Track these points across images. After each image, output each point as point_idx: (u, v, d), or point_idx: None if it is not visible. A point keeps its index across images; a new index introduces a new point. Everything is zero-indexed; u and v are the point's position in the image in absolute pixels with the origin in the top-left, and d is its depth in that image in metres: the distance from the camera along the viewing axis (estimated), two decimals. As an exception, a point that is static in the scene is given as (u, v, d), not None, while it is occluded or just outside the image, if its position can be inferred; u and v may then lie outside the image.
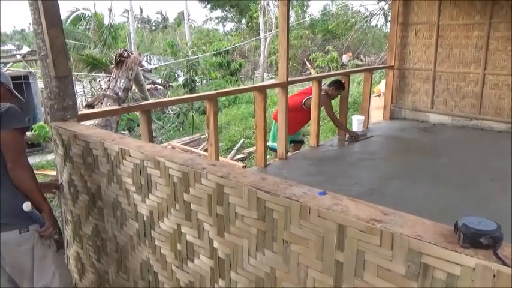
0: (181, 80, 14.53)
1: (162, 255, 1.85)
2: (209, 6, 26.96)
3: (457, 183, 3.96)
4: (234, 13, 27.28)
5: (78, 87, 13.80)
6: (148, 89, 12.66)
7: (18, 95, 2.02)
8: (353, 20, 19.49)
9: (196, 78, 14.39)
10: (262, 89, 4.34)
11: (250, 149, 7.89)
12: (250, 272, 1.46)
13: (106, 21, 16.01)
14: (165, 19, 34.44)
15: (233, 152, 8.04)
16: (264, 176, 1.46)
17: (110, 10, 16.80)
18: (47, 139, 7.84)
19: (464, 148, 5.12)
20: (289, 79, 4.55)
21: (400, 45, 6.55)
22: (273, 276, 1.38)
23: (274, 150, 4.98)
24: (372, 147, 5.32)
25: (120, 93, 7.44)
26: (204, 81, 16.07)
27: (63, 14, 16.04)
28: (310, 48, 19.74)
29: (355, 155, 4.98)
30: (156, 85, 14.96)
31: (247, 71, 19.47)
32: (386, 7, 17.17)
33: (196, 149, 7.84)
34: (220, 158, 5.33)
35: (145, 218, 1.88)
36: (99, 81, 13.27)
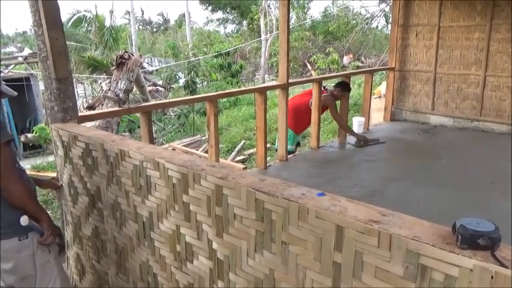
0: (182, 81, 14.56)
1: (161, 256, 1.85)
2: (210, 8, 27.03)
3: (458, 185, 3.96)
4: (235, 15, 27.35)
5: (80, 89, 13.84)
6: (150, 91, 12.68)
7: (9, 92, 1.88)
8: (354, 21, 19.53)
9: (197, 79, 14.41)
10: (262, 91, 4.34)
11: (251, 151, 7.89)
12: (249, 273, 1.46)
13: (107, 23, 16.05)
14: (166, 21, 34.53)
15: (234, 153, 8.04)
16: (262, 177, 1.47)
17: (111, 12, 16.84)
18: (48, 141, 7.86)
19: (465, 150, 5.11)
20: (290, 81, 4.56)
21: (400, 47, 6.55)
22: (272, 277, 1.38)
23: (290, 152, 4.99)
24: (373, 148, 5.31)
25: (120, 95, 7.46)
26: (205, 82, 16.10)
27: (65, 16, 16.10)
28: (311, 50, 19.76)
29: (355, 157, 4.98)
30: (157, 87, 14.98)
31: (248, 73, 19.49)
32: (387, 9, 17.19)
33: (197, 150, 7.84)
34: (221, 160, 5.33)
35: (144, 219, 1.88)
36: (101, 83, 13.29)
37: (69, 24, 15.83)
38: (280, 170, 4.48)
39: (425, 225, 1.07)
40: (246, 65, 18.57)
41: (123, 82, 7.71)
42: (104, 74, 12.84)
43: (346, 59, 18.37)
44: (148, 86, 13.06)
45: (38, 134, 8.18)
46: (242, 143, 8.65)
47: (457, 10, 5.91)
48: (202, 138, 8.84)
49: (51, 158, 8.14)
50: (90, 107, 7.47)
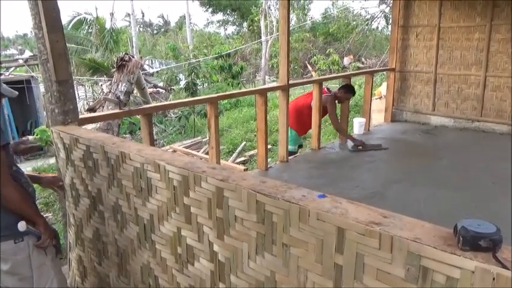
0: (182, 83, 14.56)
1: (162, 258, 1.85)
2: (210, 9, 27.06)
3: (459, 185, 3.95)
4: (235, 16, 27.38)
5: (81, 91, 13.87)
6: (150, 93, 12.69)
7: (8, 92, 1.87)
8: (354, 22, 19.54)
9: (197, 81, 14.42)
10: (263, 92, 4.34)
11: (252, 152, 7.89)
12: (250, 276, 1.46)
13: (108, 25, 16.08)
14: (166, 23, 34.57)
15: (234, 155, 8.04)
16: (263, 179, 1.46)
17: (112, 14, 16.87)
18: (49, 143, 7.86)
19: (465, 150, 5.10)
20: (290, 82, 4.56)
21: (401, 48, 6.55)
22: (273, 280, 1.37)
23: (292, 153, 5.00)
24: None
25: (121, 97, 7.47)
26: (206, 84, 16.10)
27: (65, 18, 16.14)
28: (311, 51, 19.77)
29: (356, 158, 4.97)
30: (157, 88, 15.00)
31: (249, 74, 19.50)
32: (387, 10, 17.20)
33: (198, 152, 7.84)
34: (222, 161, 5.33)
35: (145, 222, 1.88)
36: (101, 85, 13.32)
37: (70, 26, 15.87)
38: (281, 172, 4.48)
39: (427, 227, 1.07)
40: (246, 67, 18.58)
41: (124, 84, 7.72)
42: (105, 76, 12.86)
43: (346, 60, 18.36)
44: (149, 88, 13.08)
45: (39, 136, 8.18)
46: (243, 144, 8.65)
47: (457, 11, 5.91)
48: (203, 139, 8.84)
49: (52, 160, 8.14)
50: (91, 109, 7.48)
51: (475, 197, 3.66)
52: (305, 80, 9.28)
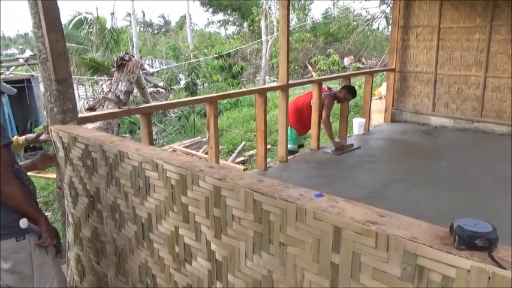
0: (182, 83, 14.57)
1: (160, 257, 1.85)
2: (211, 9, 27.06)
3: (459, 186, 3.95)
4: (235, 16, 27.37)
5: (81, 91, 13.87)
6: (150, 92, 12.69)
7: (7, 89, 1.89)
8: (355, 23, 19.52)
9: (197, 81, 14.42)
10: (262, 92, 4.34)
11: (251, 152, 7.89)
12: (247, 274, 1.46)
13: (108, 25, 16.08)
14: (167, 23, 34.59)
15: (234, 154, 8.03)
16: (260, 178, 1.46)
17: (112, 14, 16.87)
18: (48, 142, 7.85)
19: (465, 151, 5.10)
20: (290, 82, 4.56)
21: (401, 48, 6.55)
22: (270, 279, 1.37)
23: (292, 152, 5.00)
24: (373, 150, 5.31)
25: (121, 97, 7.46)
26: (206, 84, 16.10)
27: (66, 17, 16.14)
28: (311, 51, 19.75)
29: (356, 158, 4.97)
30: (158, 88, 15.00)
31: (249, 74, 19.49)
32: (387, 10, 17.19)
33: (198, 151, 7.84)
34: (221, 161, 5.34)
35: (143, 221, 1.88)
36: (101, 84, 13.31)
37: (70, 26, 15.86)
38: (280, 171, 4.48)
39: (423, 226, 1.07)
40: (246, 67, 18.58)
41: (124, 84, 7.71)
42: (105, 75, 12.86)
43: (346, 60, 18.36)
44: (149, 87, 13.08)
45: (38, 135, 8.18)
46: (243, 144, 8.65)
47: (457, 11, 5.91)
48: (203, 139, 8.84)
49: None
50: (91, 109, 7.48)
51: (475, 198, 3.65)
52: (305, 80, 9.28)
